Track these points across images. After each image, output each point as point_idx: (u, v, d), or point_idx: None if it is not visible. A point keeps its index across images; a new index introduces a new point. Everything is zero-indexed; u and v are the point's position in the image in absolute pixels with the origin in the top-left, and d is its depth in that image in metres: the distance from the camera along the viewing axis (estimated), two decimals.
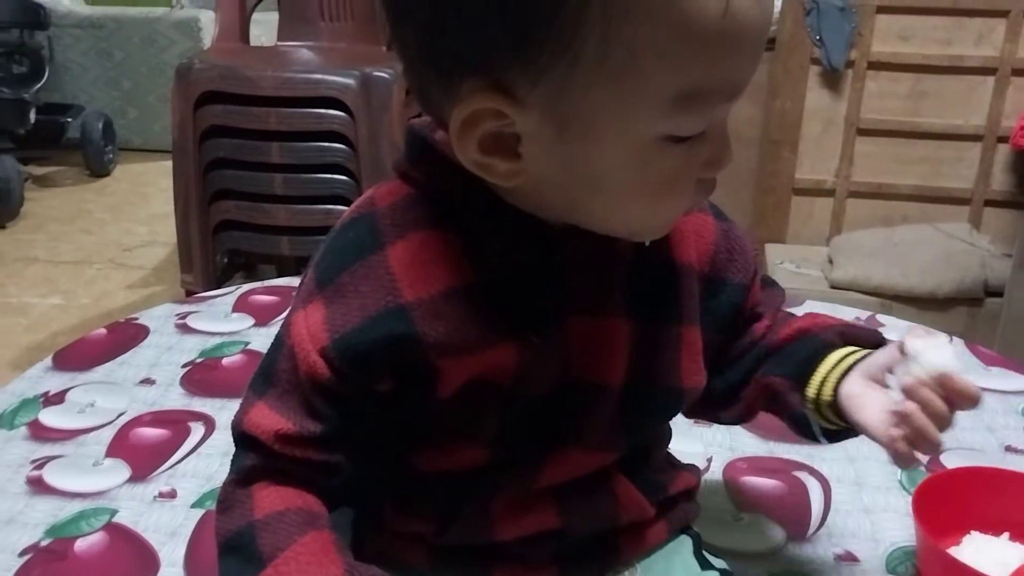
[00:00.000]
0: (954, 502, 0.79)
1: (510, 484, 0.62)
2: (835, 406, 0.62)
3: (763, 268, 2.16)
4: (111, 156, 3.83)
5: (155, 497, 0.86)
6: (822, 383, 0.63)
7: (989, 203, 2.23)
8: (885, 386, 0.60)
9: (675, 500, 0.70)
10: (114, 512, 0.84)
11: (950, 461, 0.94)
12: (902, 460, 0.58)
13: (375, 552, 0.64)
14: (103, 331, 1.18)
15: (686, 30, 0.47)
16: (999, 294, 1.97)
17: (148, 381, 1.06)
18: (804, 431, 0.67)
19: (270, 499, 0.57)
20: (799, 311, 1.25)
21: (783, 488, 0.90)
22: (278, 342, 0.59)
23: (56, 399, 1.02)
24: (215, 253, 2.37)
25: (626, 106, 0.49)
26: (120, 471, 0.90)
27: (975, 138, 2.18)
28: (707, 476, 0.91)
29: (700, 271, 0.66)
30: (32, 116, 3.34)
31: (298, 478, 0.58)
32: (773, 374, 0.67)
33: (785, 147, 2.26)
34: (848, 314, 1.25)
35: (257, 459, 0.58)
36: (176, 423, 0.98)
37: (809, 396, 0.64)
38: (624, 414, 0.62)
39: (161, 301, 1.74)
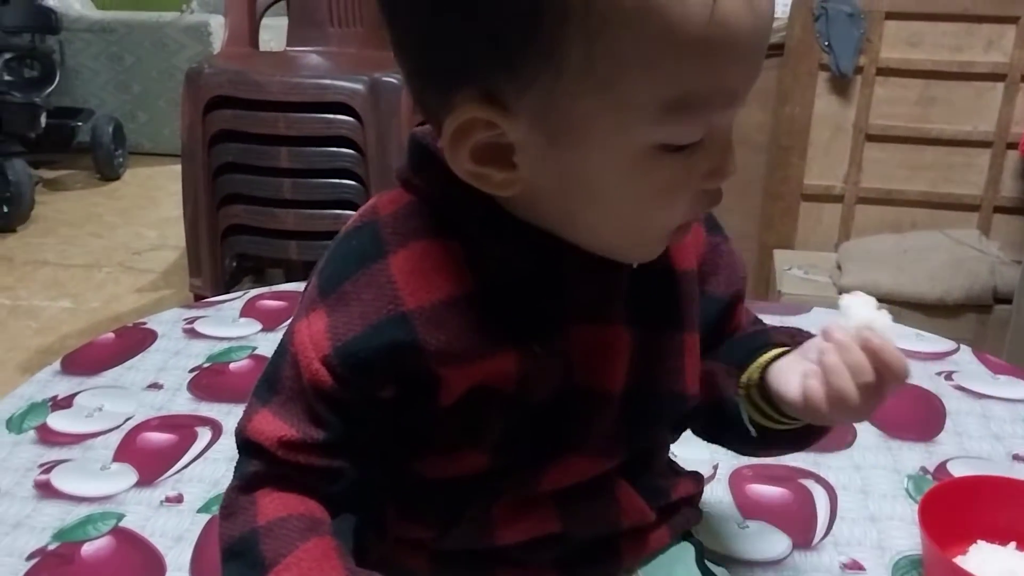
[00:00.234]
0: (960, 511, 0.78)
1: (511, 489, 0.62)
2: (762, 386, 0.62)
3: (771, 274, 2.17)
4: (121, 160, 3.84)
5: (162, 502, 0.87)
6: (755, 368, 0.63)
7: (999, 209, 2.22)
8: None
9: (677, 506, 0.70)
10: (121, 516, 0.85)
11: (957, 470, 0.94)
12: (811, 410, 0.57)
13: (377, 558, 0.64)
14: (111, 335, 1.18)
15: (670, 38, 0.46)
16: (1008, 301, 1.96)
17: (156, 386, 1.07)
18: (736, 421, 0.66)
19: (273, 505, 0.57)
20: (806, 319, 1.26)
21: (789, 496, 0.90)
22: (282, 349, 0.59)
23: (64, 403, 1.02)
24: (224, 257, 2.38)
25: (615, 115, 0.49)
26: (127, 475, 0.90)
27: (984, 144, 2.17)
28: (713, 483, 0.91)
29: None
30: (43, 120, 3.35)
31: (301, 484, 0.58)
32: (716, 360, 0.67)
33: (794, 153, 2.26)
34: None
35: (260, 466, 0.58)
36: (183, 428, 0.98)
37: (742, 381, 0.64)
38: (625, 421, 0.62)
39: (170, 305, 1.75)
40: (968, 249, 2.09)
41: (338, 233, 0.61)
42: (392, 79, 2.08)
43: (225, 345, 1.16)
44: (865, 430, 1.01)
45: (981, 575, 0.70)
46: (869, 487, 0.92)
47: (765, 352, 0.63)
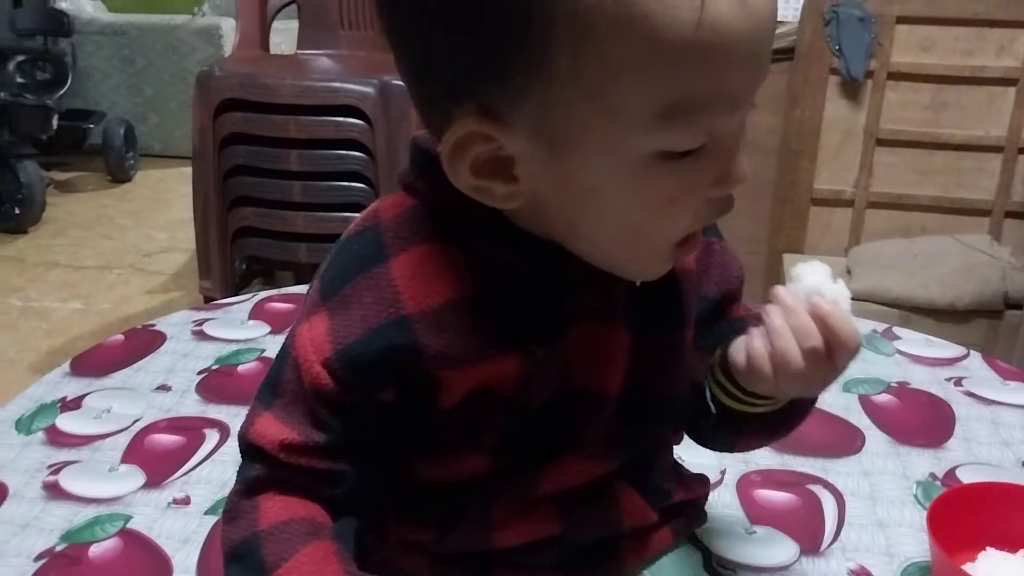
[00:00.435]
0: (970, 517, 0.78)
1: (510, 491, 0.62)
2: (724, 363, 0.62)
3: (780, 278, 2.16)
4: (132, 162, 3.86)
5: (169, 503, 0.87)
6: (721, 346, 0.63)
7: (1010, 214, 2.20)
8: None
9: (680, 508, 0.70)
10: (128, 518, 0.85)
11: (966, 476, 0.93)
12: (755, 373, 0.57)
13: (378, 561, 0.64)
14: (120, 337, 1.19)
15: (658, 43, 0.46)
16: (1019, 306, 1.95)
17: (164, 388, 1.07)
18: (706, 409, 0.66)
19: (275, 509, 0.57)
20: None
21: (797, 501, 0.90)
22: (283, 353, 0.59)
23: (73, 404, 1.02)
24: (233, 259, 2.39)
25: (609, 123, 0.49)
26: (135, 477, 0.91)
27: (996, 149, 2.17)
28: (720, 489, 0.91)
29: None
30: (55, 122, 3.37)
31: (303, 488, 0.58)
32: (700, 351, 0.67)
33: (804, 157, 2.25)
34: (865, 327, 1.25)
35: (262, 470, 0.58)
36: (191, 430, 0.99)
37: (710, 361, 0.64)
38: (622, 422, 0.62)
39: (180, 307, 1.76)
40: (979, 254, 2.08)
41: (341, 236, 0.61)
42: (402, 82, 2.07)
43: (234, 347, 1.17)
44: (874, 436, 1.01)
45: None
46: (878, 493, 0.91)
47: (739, 334, 0.63)
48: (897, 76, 2.16)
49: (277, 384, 0.59)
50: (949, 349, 1.20)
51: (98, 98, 4.00)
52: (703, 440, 0.71)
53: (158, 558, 0.80)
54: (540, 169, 0.52)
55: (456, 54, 0.50)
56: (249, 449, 0.59)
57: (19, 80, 3.30)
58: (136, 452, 0.95)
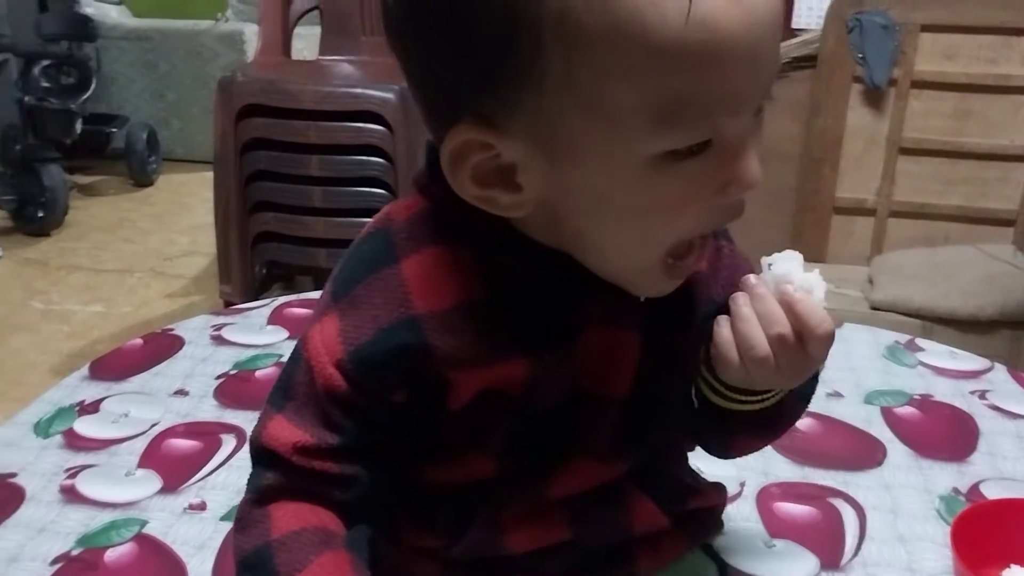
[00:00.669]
0: (994, 534, 0.77)
1: (519, 496, 0.62)
2: (707, 357, 0.61)
3: None
4: (155, 166, 3.88)
5: (185, 509, 0.87)
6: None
7: None
8: None
9: (694, 514, 0.69)
10: (144, 523, 0.85)
11: (991, 492, 0.92)
12: (722, 360, 0.56)
13: (390, 568, 0.64)
14: (139, 341, 1.19)
15: (647, 44, 0.45)
16: None
17: (182, 392, 1.07)
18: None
19: (287, 518, 0.57)
20: (836, 334, 1.24)
21: (817, 515, 0.89)
22: (296, 356, 0.59)
23: (91, 408, 1.03)
24: (254, 264, 2.40)
25: (605, 128, 0.48)
26: (151, 482, 0.91)
27: (1020, 159, 2.14)
28: (739, 501, 0.90)
29: None
30: (78, 126, 3.39)
31: (315, 494, 0.58)
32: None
33: (826, 165, 2.23)
34: (887, 337, 1.23)
35: (275, 476, 0.58)
36: (208, 435, 0.99)
37: (700, 359, 0.63)
38: (630, 424, 0.62)
39: (200, 311, 1.77)
40: (1002, 264, 2.05)
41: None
42: None
43: (252, 352, 1.17)
44: (896, 449, 0.99)
45: None
46: (899, 507, 0.90)
47: None
48: (921, 84, 2.14)
49: (289, 387, 0.59)
50: (973, 361, 1.19)
51: (121, 103, 4.02)
52: (702, 442, 0.70)
53: (173, 564, 0.80)
54: (542, 177, 0.51)
55: (449, 66, 0.50)
56: (262, 453, 0.59)
57: (44, 84, 3.33)
58: (153, 457, 0.95)
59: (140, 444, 0.97)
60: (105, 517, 0.85)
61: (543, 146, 0.50)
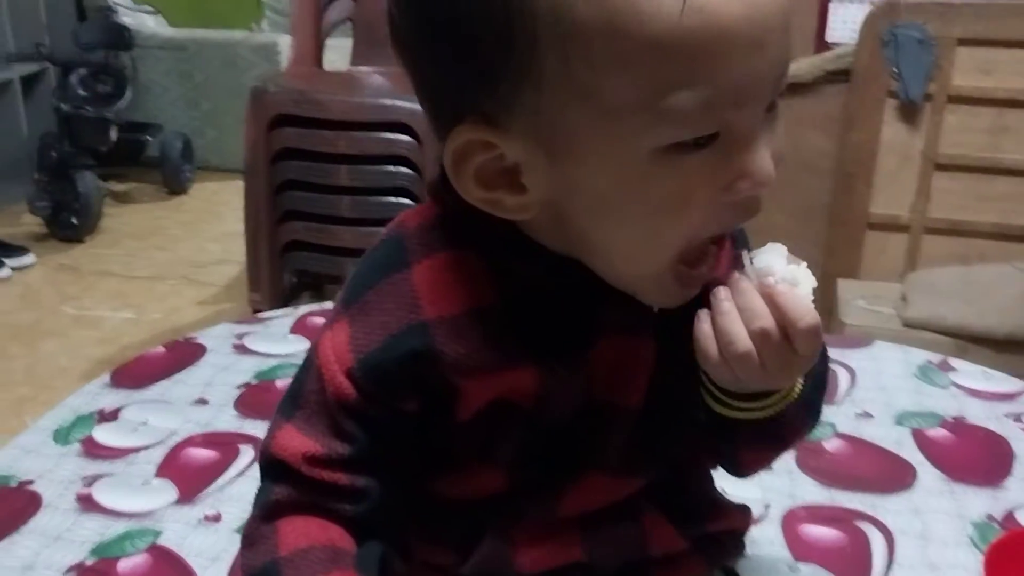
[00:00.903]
0: None
1: (531, 511, 0.60)
2: None
3: (834, 304, 2.11)
4: (189, 175, 3.92)
5: (200, 520, 0.86)
6: None
7: None
8: None
9: (715, 537, 0.68)
10: (158, 533, 0.84)
11: None
12: (703, 356, 0.54)
13: None
14: (162, 349, 1.19)
15: (643, 35, 0.44)
16: None
17: (202, 401, 1.07)
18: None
19: (295, 535, 0.56)
20: (867, 352, 1.22)
21: (843, 539, 0.86)
22: (307, 364, 0.59)
23: (111, 416, 1.03)
24: (283, 273, 2.41)
25: (606, 123, 0.47)
26: (168, 492, 0.90)
27: None
28: (764, 523, 0.88)
29: None
30: (113, 134, 3.43)
31: (325, 507, 0.57)
32: None
33: (859, 180, 2.20)
34: (919, 357, 1.20)
35: (284, 489, 0.57)
36: (226, 445, 0.98)
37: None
38: (645, 436, 0.60)
39: (230, 318, 1.77)
40: None
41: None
42: None
43: (274, 362, 1.16)
44: (927, 472, 0.97)
45: None
46: (930, 533, 0.87)
47: None
48: (957, 99, 2.11)
49: (300, 395, 0.58)
50: (1008, 383, 1.16)
51: (157, 111, 4.06)
52: (714, 457, 0.68)
53: (186, 575, 0.79)
54: (545, 177, 0.51)
55: (450, 67, 0.50)
56: (271, 465, 0.58)
57: (80, 92, 3.37)
58: (170, 466, 0.94)
59: (158, 453, 0.96)
60: (120, 527, 0.85)
61: (545, 145, 0.49)
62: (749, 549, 0.75)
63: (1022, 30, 2.05)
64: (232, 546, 0.82)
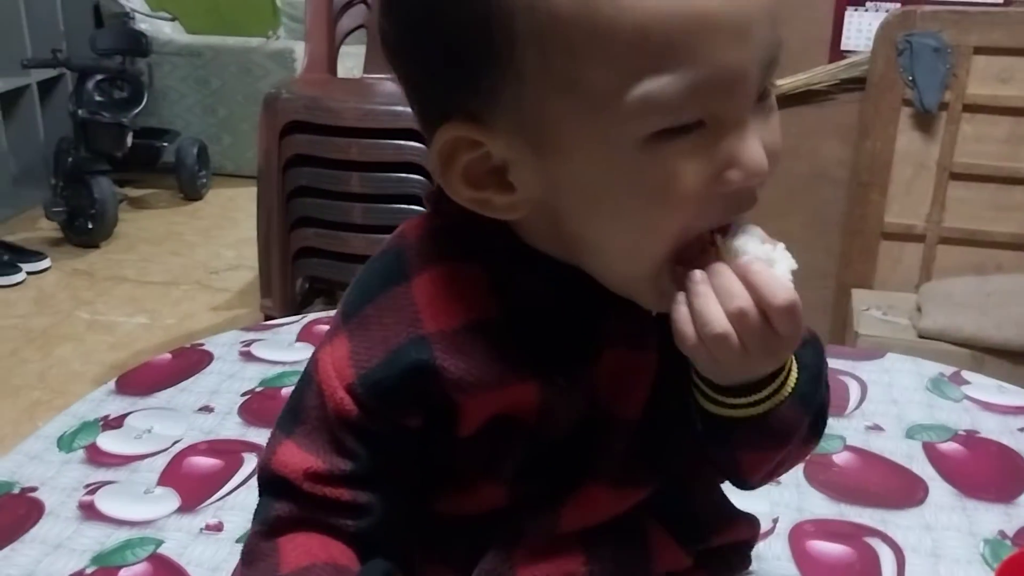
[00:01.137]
0: None
1: (532, 528, 0.59)
2: None
3: (849, 314, 2.09)
4: (204, 181, 3.93)
5: (201, 529, 0.86)
6: None
7: None
8: None
9: (721, 552, 0.66)
10: (160, 543, 0.84)
11: None
12: (680, 339, 0.51)
13: None
14: (168, 356, 1.19)
15: (619, 21, 0.44)
16: None
17: (207, 409, 1.06)
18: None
19: (296, 553, 0.56)
20: (879, 364, 1.20)
21: (852, 555, 0.85)
22: (306, 378, 0.58)
23: (115, 423, 1.02)
24: (295, 279, 2.41)
25: (588, 114, 0.47)
26: (170, 500, 0.90)
27: None
28: (771, 538, 0.87)
29: None
30: (129, 140, 3.45)
31: (326, 524, 0.57)
32: None
33: (874, 189, 2.19)
34: (931, 369, 1.19)
35: (284, 506, 0.57)
36: (230, 453, 0.98)
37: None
38: (642, 446, 0.59)
39: (243, 324, 1.77)
40: None
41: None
42: None
43: (279, 370, 1.16)
44: (938, 487, 0.95)
45: None
46: (941, 550, 0.86)
47: None
48: (973, 108, 2.09)
49: (300, 410, 0.58)
50: (1022, 396, 1.14)
51: (173, 117, 4.08)
52: (715, 466, 0.65)
53: None
54: (533, 174, 0.50)
55: (433, 66, 0.50)
56: (272, 480, 0.58)
57: (97, 98, 3.39)
58: (173, 475, 0.94)
59: (161, 461, 0.96)
60: (121, 535, 0.84)
61: (531, 141, 0.49)
62: (755, 564, 0.74)
63: None
64: (233, 557, 0.82)
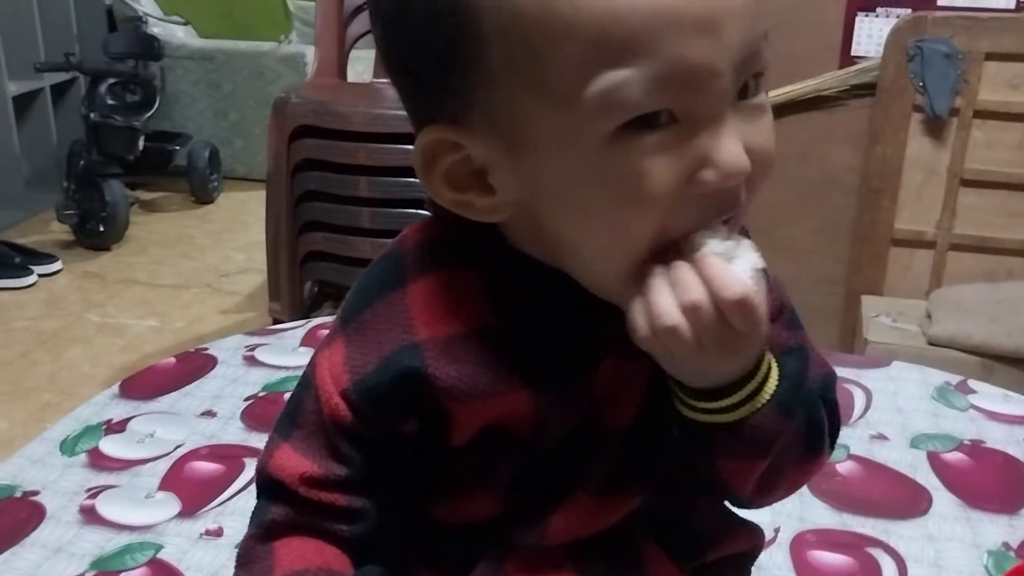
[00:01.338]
0: None
1: (522, 537, 0.59)
2: None
3: (858, 320, 2.09)
4: (216, 184, 3.94)
5: (201, 535, 0.86)
6: None
7: None
8: None
9: (718, 565, 0.66)
10: (159, 548, 0.84)
11: None
12: (633, 333, 0.50)
13: None
14: (172, 360, 1.19)
15: (577, 15, 0.44)
16: None
17: (209, 413, 1.07)
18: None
19: (290, 557, 0.56)
20: (884, 372, 1.20)
21: (854, 565, 0.85)
22: (305, 382, 0.58)
23: (118, 427, 1.03)
24: (303, 283, 2.41)
25: (554, 110, 0.47)
26: (170, 505, 0.90)
27: None
28: (772, 548, 0.86)
29: None
30: (141, 143, 3.45)
31: (321, 528, 0.57)
32: None
33: (884, 196, 2.18)
34: (937, 378, 1.18)
35: (280, 509, 0.57)
36: (231, 458, 0.98)
37: None
38: (629, 455, 0.58)
39: (253, 327, 1.78)
40: None
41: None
42: None
43: (282, 374, 1.16)
44: (942, 497, 0.95)
45: None
46: (944, 561, 0.85)
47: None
48: (984, 114, 2.08)
49: (297, 414, 0.58)
50: None
51: (185, 121, 4.10)
52: (705, 479, 0.62)
53: None
54: (511, 176, 0.50)
55: (413, 70, 0.51)
56: (269, 484, 0.58)
57: (109, 102, 3.40)
58: (174, 479, 0.94)
59: (163, 466, 0.96)
60: (121, 540, 0.85)
61: (506, 142, 0.49)
62: (755, 574, 0.73)
63: None
64: (232, 562, 0.82)
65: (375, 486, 0.57)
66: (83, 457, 0.97)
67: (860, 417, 1.09)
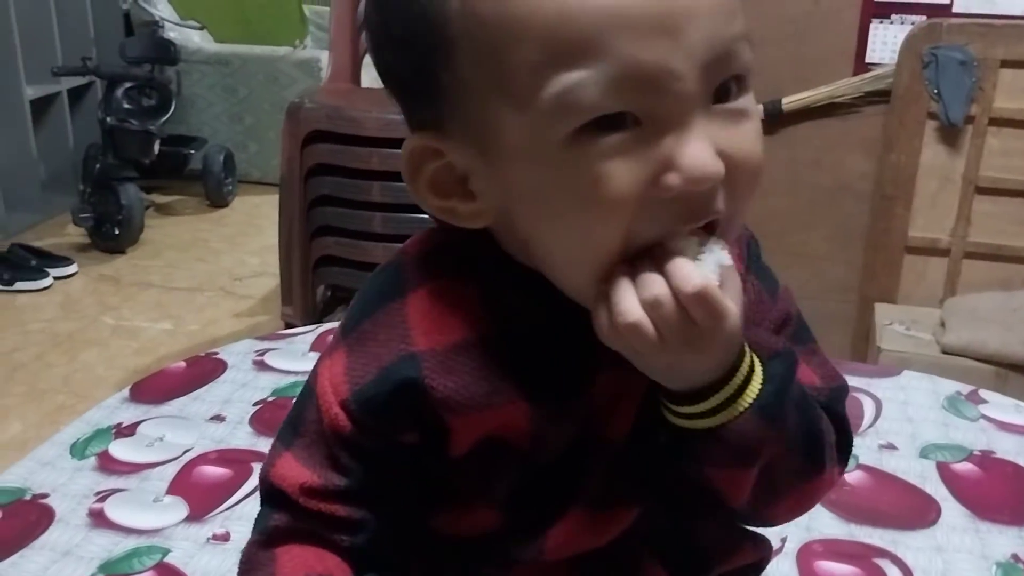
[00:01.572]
0: None
1: (522, 551, 0.59)
2: None
3: (871, 328, 2.07)
4: (231, 188, 3.96)
5: (208, 539, 0.86)
6: None
7: None
8: None
9: None
10: (166, 552, 0.84)
11: None
12: (596, 326, 0.49)
13: None
14: (182, 364, 1.20)
15: (533, 17, 0.45)
16: None
17: (218, 418, 1.07)
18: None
19: (292, 564, 0.56)
20: (895, 382, 1.19)
21: None
22: (307, 391, 0.58)
23: (128, 431, 1.03)
24: (315, 287, 2.42)
25: (518, 113, 0.47)
26: (178, 509, 0.90)
27: None
28: (779, 558, 0.86)
29: None
30: (157, 147, 3.48)
31: (322, 537, 0.57)
32: None
33: (899, 203, 2.17)
34: (948, 387, 1.17)
35: (282, 517, 0.57)
36: (240, 463, 0.98)
37: None
38: (625, 467, 0.57)
39: (266, 331, 1.78)
40: None
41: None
42: None
43: (292, 379, 1.16)
44: (951, 508, 0.94)
45: None
46: (952, 572, 0.85)
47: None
48: (1000, 122, 2.06)
49: (299, 423, 0.58)
50: None
51: (200, 125, 4.12)
52: (700, 489, 0.63)
53: None
54: (488, 181, 0.51)
55: (398, 80, 0.52)
56: (270, 491, 0.58)
57: (125, 106, 3.43)
58: (182, 483, 0.95)
59: (171, 470, 0.97)
60: (129, 544, 0.85)
61: (480, 147, 0.50)
62: None
63: None
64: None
65: (375, 497, 0.57)
66: (93, 460, 0.98)
67: (869, 426, 1.08)
